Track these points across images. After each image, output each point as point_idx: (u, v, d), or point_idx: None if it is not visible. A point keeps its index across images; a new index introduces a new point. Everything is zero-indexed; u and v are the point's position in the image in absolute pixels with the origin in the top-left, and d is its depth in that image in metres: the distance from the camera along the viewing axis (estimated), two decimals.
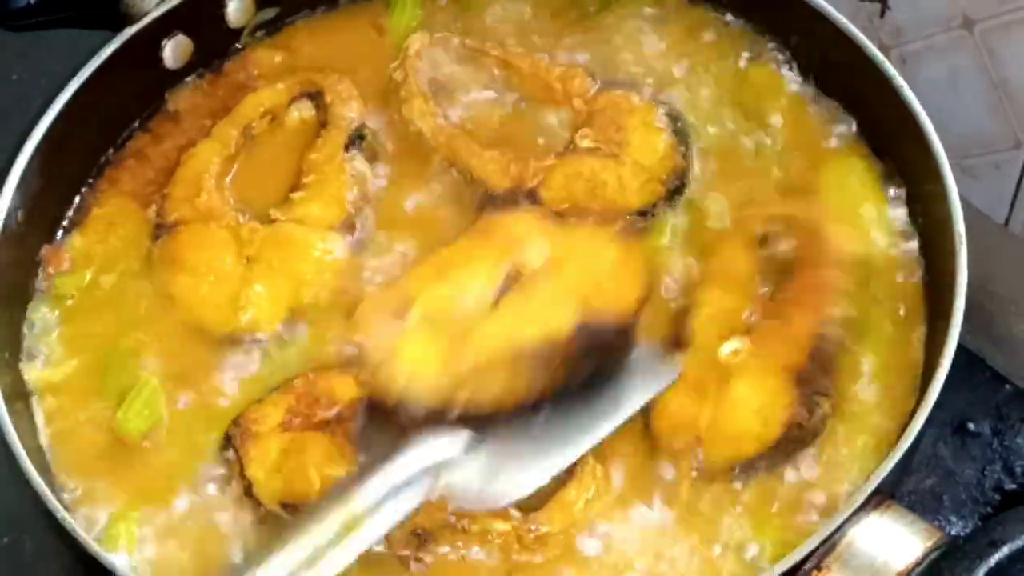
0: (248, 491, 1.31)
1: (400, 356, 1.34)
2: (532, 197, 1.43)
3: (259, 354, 1.39)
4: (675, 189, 1.45)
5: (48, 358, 1.41)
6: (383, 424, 1.30)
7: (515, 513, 1.27)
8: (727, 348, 1.34)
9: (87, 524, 1.31)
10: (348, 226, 1.44)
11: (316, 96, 1.51)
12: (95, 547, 1.25)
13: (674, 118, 1.47)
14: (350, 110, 1.50)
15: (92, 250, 1.46)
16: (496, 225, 1.42)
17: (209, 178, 1.46)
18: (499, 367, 1.31)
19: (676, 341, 1.36)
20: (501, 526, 1.27)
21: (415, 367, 1.33)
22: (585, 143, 1.45)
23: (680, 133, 1.47)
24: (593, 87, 1.49)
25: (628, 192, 1.44)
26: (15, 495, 1.31)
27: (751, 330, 1.35)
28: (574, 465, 1.29)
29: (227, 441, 1.33)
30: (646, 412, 1.33)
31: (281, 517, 1.29)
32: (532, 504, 1.28)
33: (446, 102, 1.50)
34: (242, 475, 1.31)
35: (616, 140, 1.45)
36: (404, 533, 1.27)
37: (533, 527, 1.27)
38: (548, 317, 1.34)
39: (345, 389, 1.33)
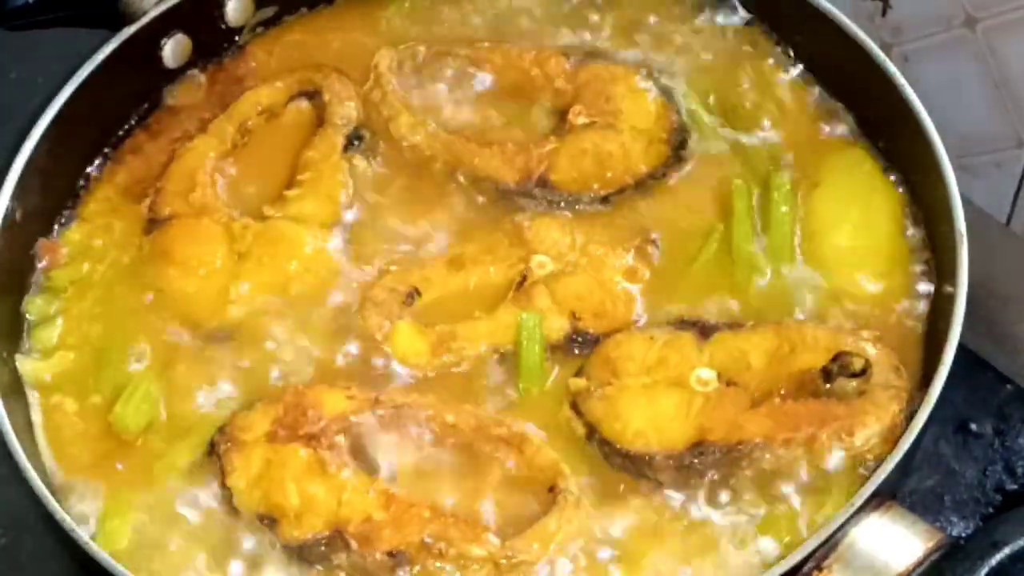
0: (227, 500, 1.30)
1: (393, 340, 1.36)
2: (543, 184, 1.44)
3: (247, 349, 1.38)
4: (679, 145, 1.46)
5: (43, 351, 1.40)
6: None
7: (493, 539, 1.25)
8: (704, 374, 1.32)
9: (82, 520, 1.31)
10: (341, 224, 1.44)
11: (314, 95, 1.51)
12: (93, 548, 1.25)
13: (656, 79, 1.48)
14: (347, 109, 1.49)
15: (88, 244, 1.46)
16: (524, 229, 1.41)
17: (203, 173, 1.46)
18: None
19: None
20: (478, 551, 1.25)
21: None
22: (580, 120, 1.46)
23: (666, 92, 1.48)
24: (567, 64, 1.49)
25: (634, 157, 1.45)
26: (13, 494, 1.31)
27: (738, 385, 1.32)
28: (556, 495, 1.27)
29: (211, 448, 1.32)
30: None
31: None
32: (511, 531, 1.26)
33: (429, 110, 1.50)
34: (223, 484, 1.30)
35: (608, 110, 1.46)
36: (380, 554, 1.25)
37: (510, 554, 1.25)
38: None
39: (333, 403, 1.32)
